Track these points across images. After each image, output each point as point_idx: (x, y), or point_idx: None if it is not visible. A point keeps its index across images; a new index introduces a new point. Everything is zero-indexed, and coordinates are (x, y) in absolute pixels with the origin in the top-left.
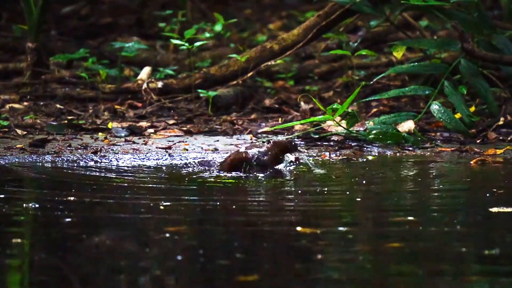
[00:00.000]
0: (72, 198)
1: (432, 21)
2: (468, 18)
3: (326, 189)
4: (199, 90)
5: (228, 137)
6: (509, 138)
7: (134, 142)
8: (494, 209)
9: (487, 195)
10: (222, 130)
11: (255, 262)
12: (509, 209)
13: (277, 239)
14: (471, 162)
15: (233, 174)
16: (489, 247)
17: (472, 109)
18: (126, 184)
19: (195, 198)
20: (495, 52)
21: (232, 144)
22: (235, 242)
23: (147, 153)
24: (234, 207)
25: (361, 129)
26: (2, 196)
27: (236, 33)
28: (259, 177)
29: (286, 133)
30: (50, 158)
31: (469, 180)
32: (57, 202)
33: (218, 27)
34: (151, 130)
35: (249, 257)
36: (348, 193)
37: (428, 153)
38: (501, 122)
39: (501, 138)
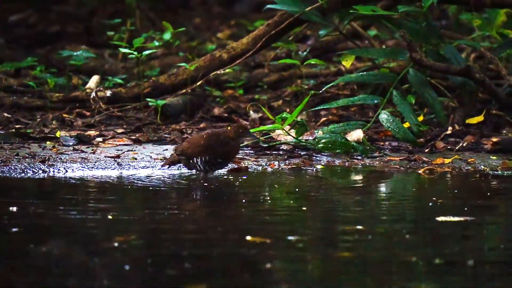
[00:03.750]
0: (18, 208)
1: (380, 31)
2: (416, 27)
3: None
4: (148, 99)
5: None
6: (457, 148)
7: (82, 151)
8: (441, 218)
9: (435, 204)
10: (171, 139)
11: (204, 271)
12: (455, 218)
13: (227, 248)
14: (420, 171)
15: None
16: (438, 256)
17: (421, 118)
18: (74, 194)
19: (144, 206)
20: (443, 61)
21: None
22: (184, 251)
23: (95, 162)
24: (182, 216)
25: (310, 138)
26: None
27: (185, 42)
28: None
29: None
30: None
31: (417, 189)
32: (3, 212)
33: (167, 36)
34: (100, 139)
35: (198, 266)
36: (297, 202)
37: (377, 162)
38: (449, 132)
39: (449, 147)
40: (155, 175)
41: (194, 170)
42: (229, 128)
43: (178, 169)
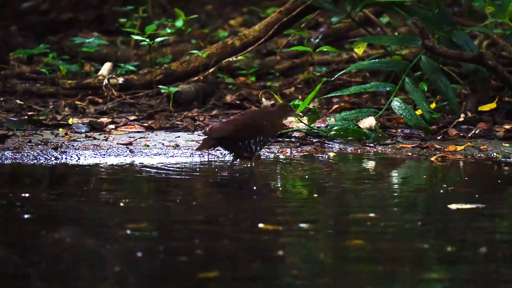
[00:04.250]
0: (30, 195)
1: (393, 18)
2: (429, 14)
3: (287, 185)
4: (160, 86)
5: (189, 133)
6: (469, 135)
7: (94, 138)
8: (453, 206)
9: (447, 191)
10: (183, 126)
11: (216, 259)
12: (467, 206)
13: (239, 236)
14: (432, 159)
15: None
16: (449, 243)
17: (433, 105)
18: (86, 181)
19: (156, 194)
20: (456, 48)
21: (194, 140)
22: (195, 239)
23: (108, 149)
24: (194, 203)
25: (322, 125)
26: None
27: (197, 29)
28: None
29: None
30: (10, 154)
31: (429, 177)
32: (16, 199)
33: (179, 23)
34: (112, 126)
35: (210, 253)
36: (309, 189)
37: (389, 150)
38: (461, 119)
39: (461, 134)
40: (167, 163)
41: (233, 153)
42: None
43: (190, 155)
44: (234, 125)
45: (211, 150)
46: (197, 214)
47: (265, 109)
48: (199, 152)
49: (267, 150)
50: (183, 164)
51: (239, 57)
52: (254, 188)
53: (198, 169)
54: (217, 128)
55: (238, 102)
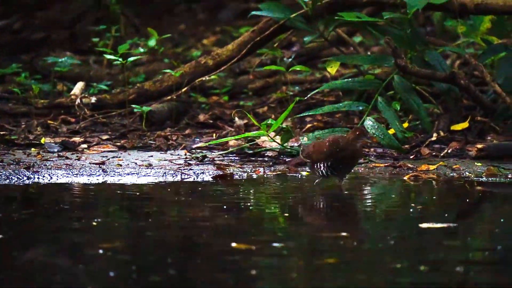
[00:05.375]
0: (2, 215)
1: (365, 37)
2: (401, 34)
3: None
4: (133, 105)
5: (162, 152)
6: (442, 154)
7: (67, 158)
8: (425, 225)
9: (419, 211)
10: (156, 146)
11: (189, 278)
12: (439, 225)
13: (212, 255)
14: (405, 178)
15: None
16: (422, 263)
17: (406, 125)
18: (59, 201)
19: (129, 213)
20: (428, 68)
21: (167, 160)
22: (168, 258)
23: (80, 169)
24: (167, 222)
25: (296, 144)
26: None
27: (170, 48)
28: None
29: (220, 149)
30: None
31: (401, 196)
32: None
33: (152, 42)
34: (85, 146)
35: (183, 273)
36: (282, 209)
37: (362, 169)
38: (434, 138)
39: (434, 154)
40: (140, 182)
41: (316, 173)
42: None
43: (163, 175)
44: (313, 146)
45: (299, 167)
46: (170, 234)
47: (344, 135)
48: (172, 172)
49: (239, 169)
50: (156, 183)
51: (212, 76)
52: (225, 207)
53: (171, 189)
54: (306, 147)
55: (211, 121)
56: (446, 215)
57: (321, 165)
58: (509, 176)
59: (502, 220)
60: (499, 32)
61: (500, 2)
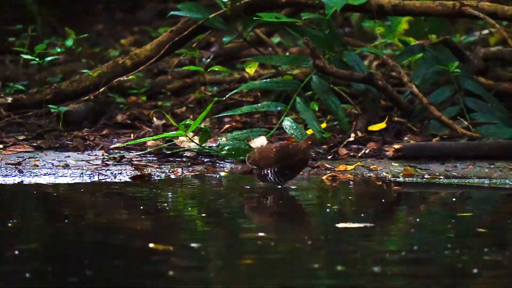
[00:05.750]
0: None
1: (284, 38)
2: (320, 35)
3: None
4: (50, 106)
5: (79, 153)
6: (359, 154)
7: None
8: (342, 225)
9: (337, 211)
10: (73, 146)
11: (106, 279)
12: (356, 225)
13: (129, 256)
14: (323, 178)
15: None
16: (339, 262)
17: (324, 125)
18: None
19: (45, 214)
20: (346, 69)
21: (84, 160)
22: (85, 259)
23: None
24: (83, 224)
25: (214, 145)
26: None
27: (87, 48)
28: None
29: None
30: None
31: (319, 196)
32: None
33: (69, 42)
34: (0, 146)
35: (100, 274)
36: (199, 209)
37: None
38: (351, 138)
39: (351, 154)
40: (57, 182)
41: (263, 180)
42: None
43: (80, 175)
44: (259, 153)
45: (246, 175)
46: (87, 234)
47: (294, 142)
48: (90, 172)
49: (158, 169)
50: (73, 184)
51: (130, 77)
52: (143, 208)
53: (88, 189)
54: (251, 154)
55: (129, 121)
56: (362, 215)
57: (269, 171)
58: (426, 176)
59: (418, 220)
60: (416, 33)
61: (417, 4)
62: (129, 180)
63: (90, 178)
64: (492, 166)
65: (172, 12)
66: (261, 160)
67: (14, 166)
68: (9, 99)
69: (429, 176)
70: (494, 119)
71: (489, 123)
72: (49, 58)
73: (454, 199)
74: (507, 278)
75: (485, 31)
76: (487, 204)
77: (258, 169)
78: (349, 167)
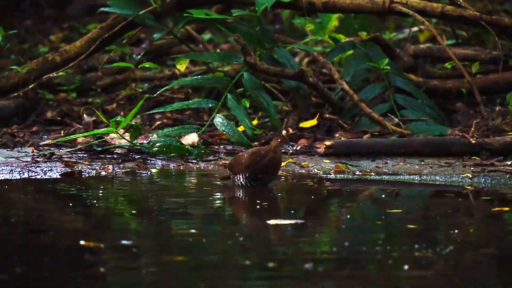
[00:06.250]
0: None
1: (215, 35)
2: (251, 32)
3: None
4: None
5: (9, 149)
6: (291, 151)
7: None
8: (273, 221)
9: (267, 207)
10: (3, 143)
11: (36, 276)
12: (287, 221)
13: (60, 253)
14: None
15: None
16: (271, 259)
17: (255, 122)
18: None
19: None
20: (277, 65)
21: (13, 157)
22: (15, 256)
23: None
24: (13, 220)
25: (145, 141)
26: None
27: (16, 45)
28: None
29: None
30: None
31: (250, 193)
32: None
33: None
34: None
35: (30, 271)
36: (131, 206)
37: (212, 166)
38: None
39: (283, 151)
40: None
41: (236, 185)
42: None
43: (10, 172)
44: (234, 160)
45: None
46: (17, 232)
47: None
48: (19, 169)
49: (88, 166)
50: (2, 181)
51: (60, 73)
52: (73, 205)
53: (18, 186)
54: (230, 160)
55: (59, 118)
56: (293, 211)
57: (241, 176)
58: (357, 173)
59: (349, 216)
60: (346, 30)
61: (347, 1)
62: (60, 177)
63: (20, 175)
64: (423, 162)
65: (102, 9)
66: (235, 167)
67: None
68: None
69: (360, 173)
70: (424, 116)
71: (419, 120)
72: None
73: (384, 196)
74: (437, 274)
75: (415, 28)
76: (418, 201)
77: (232, 174)
78: None
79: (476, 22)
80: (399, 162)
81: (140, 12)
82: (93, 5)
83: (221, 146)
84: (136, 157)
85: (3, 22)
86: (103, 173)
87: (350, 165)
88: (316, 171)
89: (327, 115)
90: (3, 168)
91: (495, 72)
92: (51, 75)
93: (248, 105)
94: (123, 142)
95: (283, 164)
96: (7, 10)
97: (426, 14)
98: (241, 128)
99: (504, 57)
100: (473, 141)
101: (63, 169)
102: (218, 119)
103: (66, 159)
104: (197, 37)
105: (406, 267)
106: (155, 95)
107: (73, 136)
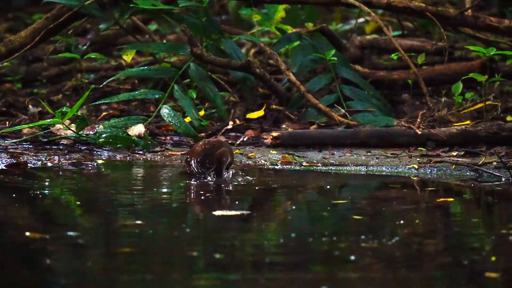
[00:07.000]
0: None
1: (161, 25)
2: (197, 22)
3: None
4: None
5: None
6: (238, 142)
7: None
8: (218, 212)
9: (213, 198)
10: None
11: None
12: (232, 212)
13: (4, 245)
14: None
15: None
16: (217, 250)
17: (202, 113)
18: None
19: None
20: (224, 56)
21: None
22: None
23: None
24: None
25: (91, 132)
26: None
27: None
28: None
29: (13, 137)
30: None
31: (196, 184)
32: None
33: None
34: None
35: None
36: (76, 197)
37: (159, 157)
38: (230, 126)
39: (230, 142)
40: None
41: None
42: None
43: None
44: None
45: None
46: None
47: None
48: None
49: (34, 157)
50: None
51: (5, 64)
52: (18, 196)
53: None
54: None
55: (4, 109)
56: (238, 202)
57: (192, 161)
58: (304, 164)
59: (295, 207)
60: (293, 21)
61: None
62: (5, 168)
63: None
64: (369, 153)
65: None
66: (191, 153)
67: None
68: None
69: (307, 164)
70: (370, 107)
71: (365, 111)
72: None
73: (330, 187)
74: (383, 264)
75: (361, 20)
76: (364, 192)
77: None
78: None
79: (422, 14)
80: (345, 153)
81: (86, 3)
82: None
83: (168, 137)
84: (83, 148)
85: None
86: (49, 164)
87: (297, 156)
88: (263, 162)
89: (274, 106)
90: None
91: (441, 63)
92: None
93: (195, 96)
94: (69, 133)
95: None
96: None
97: (372, 5)
98: (188, 119)
99: (449, 48)
100: (419, 132)
101: (8, 160)
102: (165, 110)
103: (11, 150)
104: (144, 27)
105: (352, 257)
106: (101, 86)
107: (18, 127)
